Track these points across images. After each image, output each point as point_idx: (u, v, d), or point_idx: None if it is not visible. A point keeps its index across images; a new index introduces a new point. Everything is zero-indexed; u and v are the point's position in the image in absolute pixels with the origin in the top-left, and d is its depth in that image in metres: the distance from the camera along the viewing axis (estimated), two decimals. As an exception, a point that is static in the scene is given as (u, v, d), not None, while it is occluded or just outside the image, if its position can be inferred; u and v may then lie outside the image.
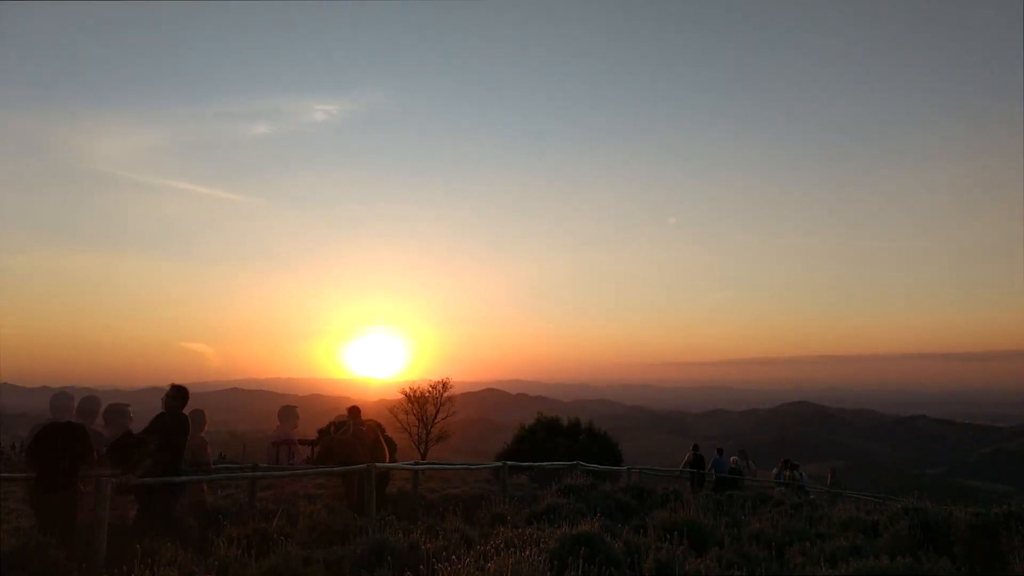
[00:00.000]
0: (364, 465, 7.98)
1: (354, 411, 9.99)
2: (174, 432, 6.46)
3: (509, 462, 11.87)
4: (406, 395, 41.72)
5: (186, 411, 6.76)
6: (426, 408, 41.18)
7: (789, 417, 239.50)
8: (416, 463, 14.84)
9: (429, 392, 41.68)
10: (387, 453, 10.09)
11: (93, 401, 6.13)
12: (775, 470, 18.73)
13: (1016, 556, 4.81)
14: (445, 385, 42.11)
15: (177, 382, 6.69)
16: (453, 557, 4.51)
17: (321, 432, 10.95)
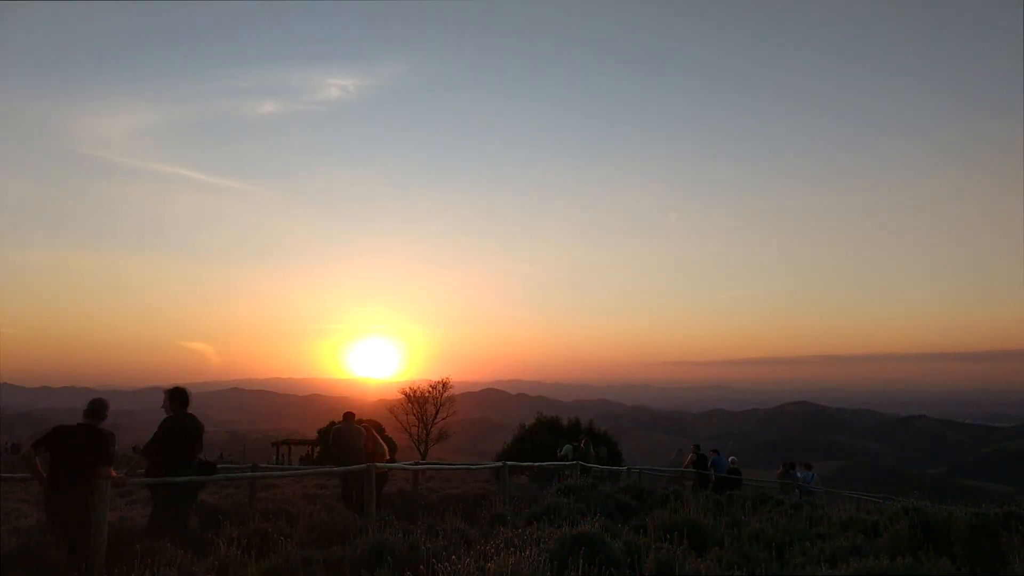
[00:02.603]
0: (364, 465, 7.98)
1: (348, 416, 10.18)
2: (169, 434, 6.48)
3: (509, 462, 11.86)
4: (406, 395, 41.80)
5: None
6: (426, 408, 41.25)
7: (789, 417, 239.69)
8: (416, 463, 14.85)
9: (429, 392, 41.76)
10: (387, 452, 10.15)
11: (101, 403, 6.23)
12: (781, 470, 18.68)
13: (1016, 556, 4.81)
14: (445, 385, 42.20)
15: (178, 382, 6.74)
16: (453, 557, 4.51)
17: (321, 432, 11.05)
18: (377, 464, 8.24)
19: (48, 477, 5.81)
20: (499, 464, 11.54)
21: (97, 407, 6.08)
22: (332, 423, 39.52)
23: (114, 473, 5.83)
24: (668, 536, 5.62)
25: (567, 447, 18.85)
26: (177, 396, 6.69)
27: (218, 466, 7.51)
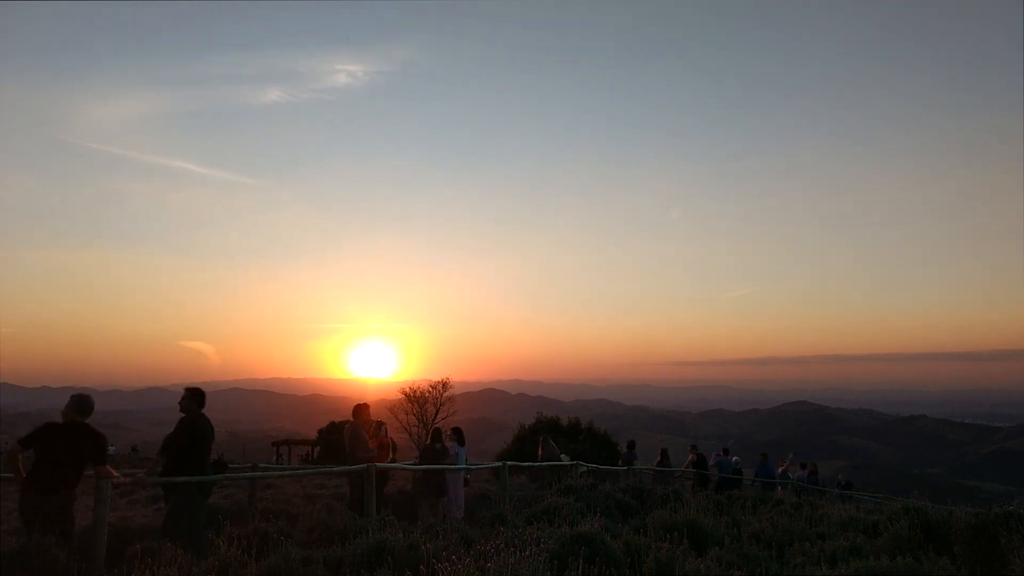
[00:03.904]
0: (364, 465, 7.98)
1: (357, 409, 10.00)
2: (186, 435, 6.45)
3: (509, 462, 11.86)
4: (406, 395, 41.75)
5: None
6: (426, 408, 41.20)
7: (789, 417, 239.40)
8: (416, 463, 14.80)
9: (429, 392, 41.71)
10: (389, 452, 10.14)
11: (86, 399, 6.06)
12: (795, 473, 18.76)
13: (1016, 556, 4.80)
14: (445, 385, 42.14)
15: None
16: (453, 557, 4.51)
17: (321, 432, 11.04)
18: (377, 464, 8.24)
19: (30, 476, 5.56)
20: (499, 464, 11.53)
21: (85, 403, 5.84)
22: (332, 423, 39.53)
23: (114, 473, 5.78)
24: (668, 536, 5.62)
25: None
26: (197, 397, 6.64)
27: (228, 465, 7.47)
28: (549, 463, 14.58)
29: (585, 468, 14.84)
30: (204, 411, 6.76)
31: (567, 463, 14.58)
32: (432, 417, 41.05)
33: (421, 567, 4.48)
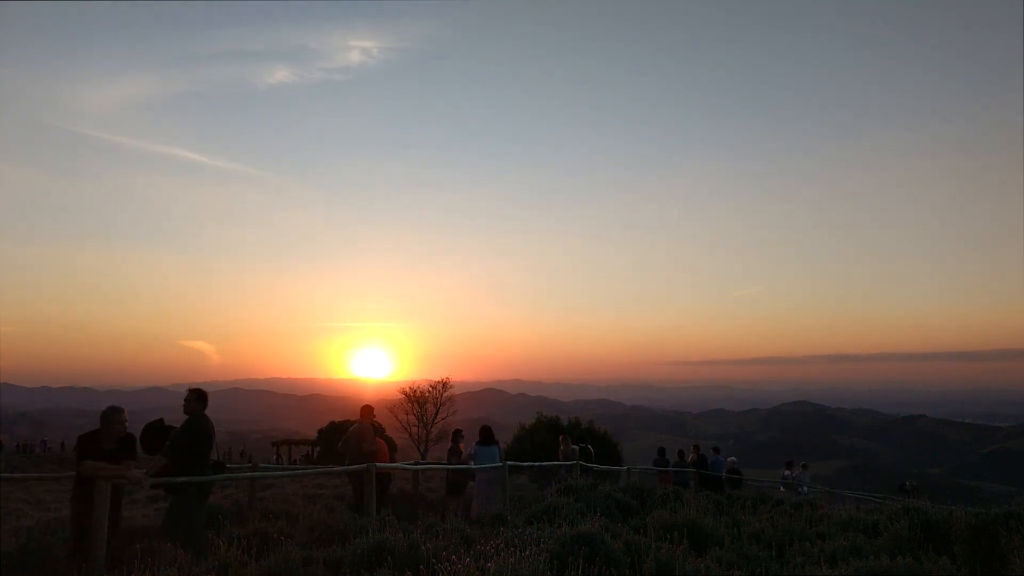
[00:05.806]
0: (363, 465, 7.98)
1: (365, 410, 9.98)
2: (191, 435, 6.46)
3: (509, 462, 11.85)
4: (406, 395, 41.78)
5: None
6: (426, 408, 41.24)
7: (789, 417, 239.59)
8: (416, 463, 14.84)
9: (429, 392, 41.74)
10: (386, 453, 10.14)
11: (116, 411, 6.29)
12: (785, 471, 18.78)
13: (1016, 556, 4.80)
14: (445, 385, 42.19)
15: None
16: (453, 557, 4.51)
17: (321, 432, 11.08)
18: (377, 464, 8.23)
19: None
20: (499, 464, 11.52)
21: (113, 415, 6.20)
22: (332, 423, 39.53)
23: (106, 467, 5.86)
24: (668, 536, 5.62)
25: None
26: (202, 398, 6.68)
27: (227, 465, 7.49)
28: (562, 463, 14.61)
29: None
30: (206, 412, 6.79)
31: (569, 463, 14.58)
32: (432, 417, 41.09)
33: (421, 567, 4.48)
